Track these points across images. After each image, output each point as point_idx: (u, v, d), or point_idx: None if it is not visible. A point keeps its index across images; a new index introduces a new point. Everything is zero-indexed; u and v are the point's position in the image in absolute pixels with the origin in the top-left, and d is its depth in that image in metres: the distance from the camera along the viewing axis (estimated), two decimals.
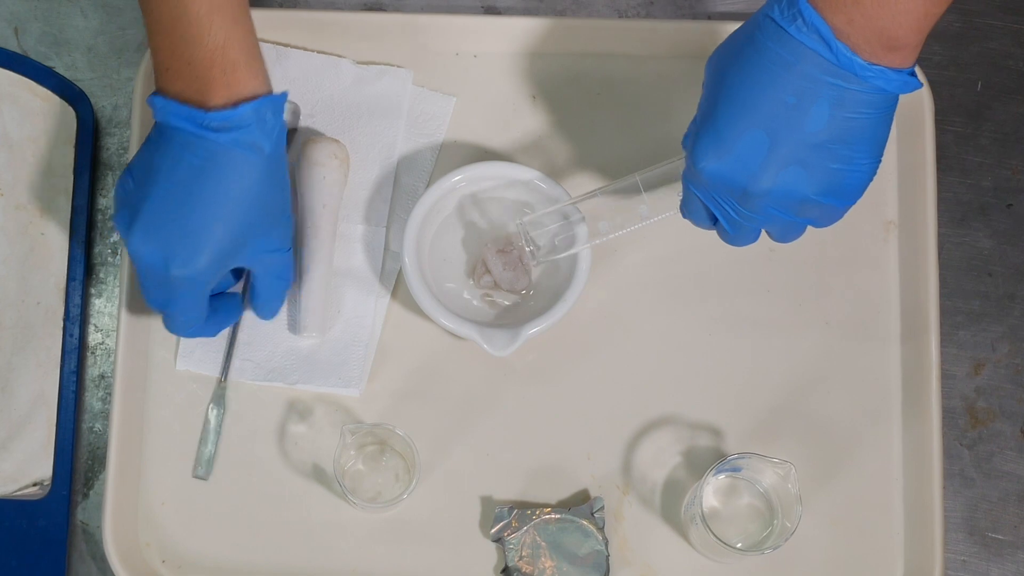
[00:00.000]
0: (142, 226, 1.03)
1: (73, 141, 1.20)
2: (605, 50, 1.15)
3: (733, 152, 0.97)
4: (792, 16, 0.94)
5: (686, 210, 1.04)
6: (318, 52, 1.21)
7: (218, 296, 1.12)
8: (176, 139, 1.02)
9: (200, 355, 1.16)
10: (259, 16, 1.19)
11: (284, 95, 1.03)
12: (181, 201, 1.02)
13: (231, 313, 1.13)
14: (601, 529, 1.12)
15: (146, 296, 1.06)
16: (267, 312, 1.13)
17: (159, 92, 1.03)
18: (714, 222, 1.03)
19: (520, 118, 1.19)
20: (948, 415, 1.17)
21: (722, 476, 1.13)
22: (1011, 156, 1.22)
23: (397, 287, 1.18)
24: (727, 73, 0.97)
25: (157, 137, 1.04)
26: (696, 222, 1.04)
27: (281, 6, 1.21)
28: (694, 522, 1.09)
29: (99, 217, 1.20)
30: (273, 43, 1.21)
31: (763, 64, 0.95)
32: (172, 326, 1.09)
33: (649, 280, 1.15)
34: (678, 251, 1.18)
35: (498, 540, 1.13)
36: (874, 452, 1.15)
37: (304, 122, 1.20)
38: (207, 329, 1.11)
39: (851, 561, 1.14)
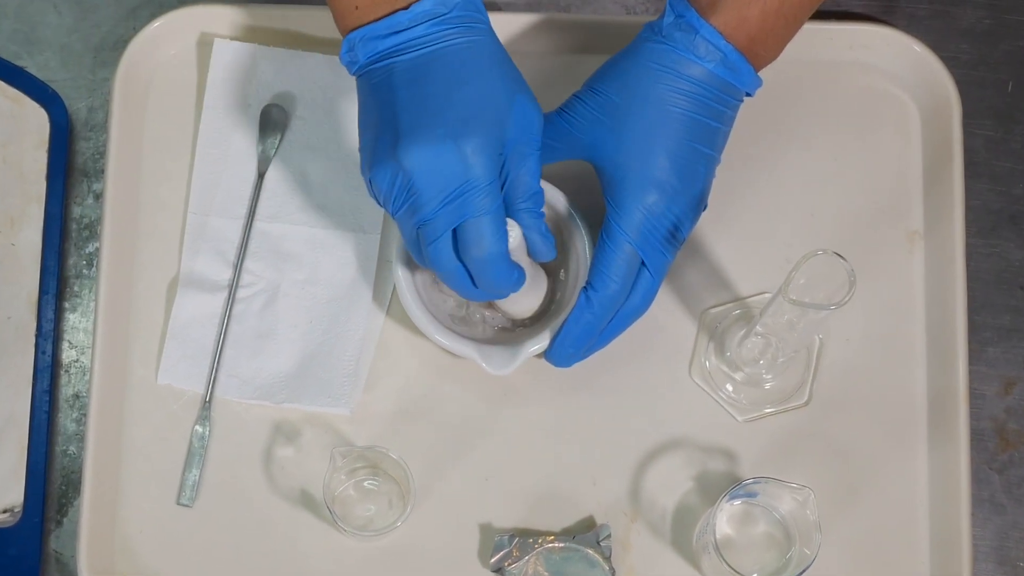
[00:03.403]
0: (409, 135, 1.00)
1: (46, 145, 1.20)
2: (612, 48, 1.15)
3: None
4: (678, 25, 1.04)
5: (602, 286, 1.07)
6: (311, 51, 1.21)
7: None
8: (391, 58, 1.02)
9: (183, 369, 1.17)
10: (255, 14, 1.20)
11: None
12: (435, 93, 1.01)
13: (522, 275, 1.06)
14: (608, 559, 1.12)
15: (435, 232, 1.01)
16: (534, 205, 1.06)
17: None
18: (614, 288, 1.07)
19: None
20: (977, 437, 1.17)
21: (737, 502, 1.13)
22: None
23: (392, 300, 1.18)
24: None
25: (370, 79, 1.04)
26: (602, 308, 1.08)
27: (276, 2, 1.21)
28: (707, 551, 1.09)
29: (73, 226, 1.21)
30: (265, 44, 1.21)
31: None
32: (487, 237, 1.01)
33: (659, 295, 1.15)
34: (686, 265, 1.18)
35: (498, 570, 1.13)
36: (898, 477, 1.15)
37: (296, 122, 1.21)
38: (511, 263, 1.04)
39: None
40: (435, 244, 1.02)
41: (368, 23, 1.03)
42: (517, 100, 1.03)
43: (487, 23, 1.04)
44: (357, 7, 1.03)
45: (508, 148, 1.02)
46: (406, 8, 1.02)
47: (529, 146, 1.04)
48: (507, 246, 1.03)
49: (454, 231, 1.02)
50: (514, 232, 1.04)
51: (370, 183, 1.03)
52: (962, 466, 1.13)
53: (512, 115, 1.02)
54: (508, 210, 1.04)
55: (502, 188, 1.03)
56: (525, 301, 1.12)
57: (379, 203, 1.04)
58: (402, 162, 1.00)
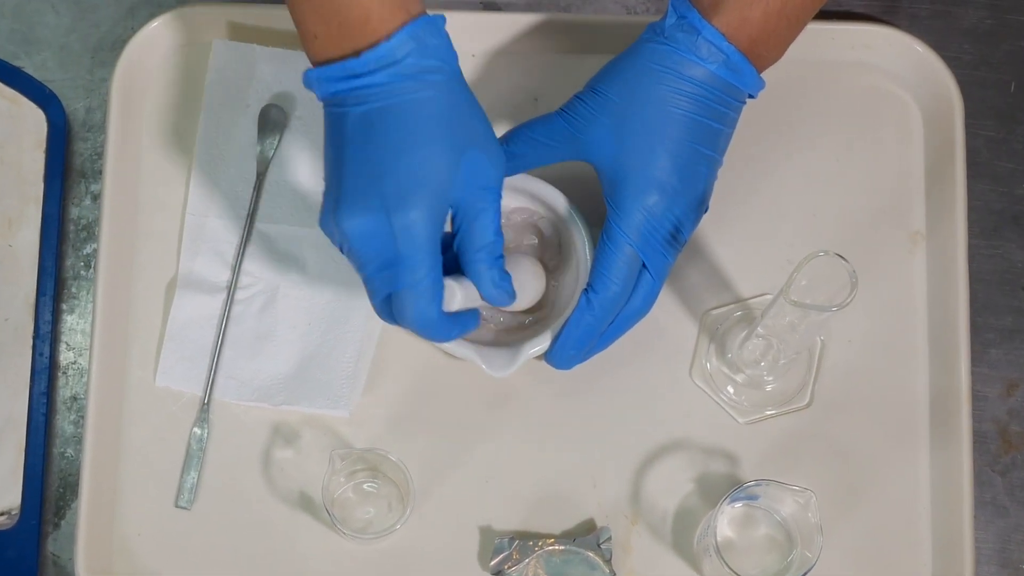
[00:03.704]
0: (348, 200, 1.01)
1: (43, 146, 1.20)
2: (612, 48, 1.16)
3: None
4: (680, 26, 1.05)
5: (603, 288, 1.07)
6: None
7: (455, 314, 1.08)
8: (345, 105, 1.02)
9: (181, 371, 1.17)
10: (254, 14, 1.20)
11: (441, 16, 1.03)
12: (377, 158, 1.01)
13: (470, 321, 1.07)
14: (608, 561, 1.12)
15: (374, 293, 1.03)
16: (486, 261, 1.06)
17: (312, 67, 1.03)
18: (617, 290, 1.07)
19: (521, 121, 1.19)
20: (979, 439, 1.17)
21: (738, 504, 1.13)
22: None
23: None
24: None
25: (328, 120, 1.04)
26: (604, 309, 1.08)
27: (275, 2, 1.21)
28: (708, 554, 1.09)
29: (71, 227, 1.21)
30: (263, 44, 1.21)
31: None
32: (410, 309, 1.02)
33: (660, 297, 1.15)
34: (687, 266, 1.18)
35: (498, 573, 1.13)
36: (900, 479, 1.16)
37: (295, 123, 1.21)
38: (446, 324, 1.04)
39: None
40: (373, 302, 1.04)
41: (326, 61, 1.02)
42: (467, 158, 1.02)
43: (447, 70, 1.02)
44: (316, 36, 1.02)
45: (459, 205, 1.03)
46: (357, 56, 1.00)
47: (483, 201, 1.03)
48: (439, 310, 1.02)
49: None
50: (455, 295, 1.03)
51: (321, 228, 1.05)
52: (964, 468, 1.13)
53: (460, 176, 1.02)
54: (462, 260, 1.04)
55: (454, 241, 1.04)
56: (519, 298, 1.12)
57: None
58: (340, 226, 1.01)
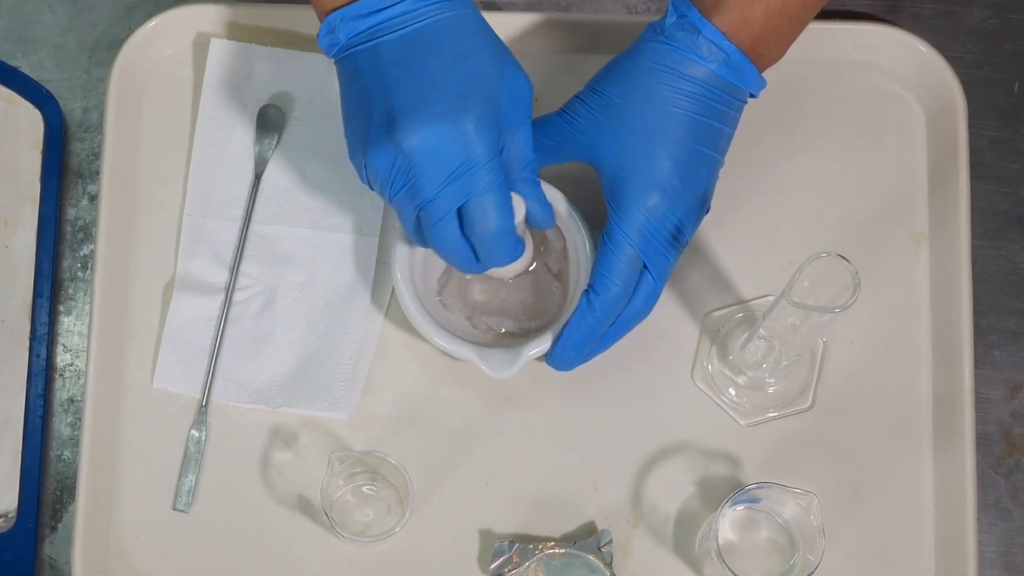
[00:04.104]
0: (406, 116, 1.00)
1: (40, 146, 1.20)
2: (613, 48, 1.16)
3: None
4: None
5: (604, 290, 1.07)
6: (309, 51, 1.21)
7: None
8: (375, 39, 1.02)
9: (179, 373, 1.17)
10: (252, 13, 1.20)
11: None
12: (427, 73, 1.01)
13: (523, 245, 1.07)
14: (609, 564, 1.13)
15: (439, 212, 1.01)
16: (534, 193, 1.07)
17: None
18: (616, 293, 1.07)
19: None
20: (982, 441, 1.17)
21: (739, 507, 1.13)
22: None
23: (390, 302, 1.18)
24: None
25: (353, 59, 1.03)
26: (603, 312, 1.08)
27: (274, 1, 1.22)
28: (709, 557, 1.09)
29: (68, 228, 1.21)
30: (261, 44, 1.21)
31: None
32: (492, 214, 1.02)
33: (661, 298, 1.15)
34: (688, 267, 1.19)
35: None
36: (903, 481, 1.16)
37: (293, 123, 1.21)
38: (515, 235, 1.04)
39: None
40: (439, 224, 1.02)
41: (348, 3, 1.02)
42: (506, 71, 1.03)
43: None
44: None
45: (503, 119, 1.03)
46: None
47: (521, 115, 1.04)
48: (513, 220, 1.03)
49: (459, 210, 1.02)
50: (520, 206, 1.04)
51: (364, 168, 1.03)
52: (967, 471, 1.13)
53: (503, 86, 1.02)
54: (507, 181, 1.05)
55: (501, 159, 1.04)
56: (517, 264, 1.12)
57: (372, 188, 1.04)
58: (401, 144, 1.00)
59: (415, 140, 1.00)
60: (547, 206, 1.07)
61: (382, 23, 1.02)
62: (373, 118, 1.02)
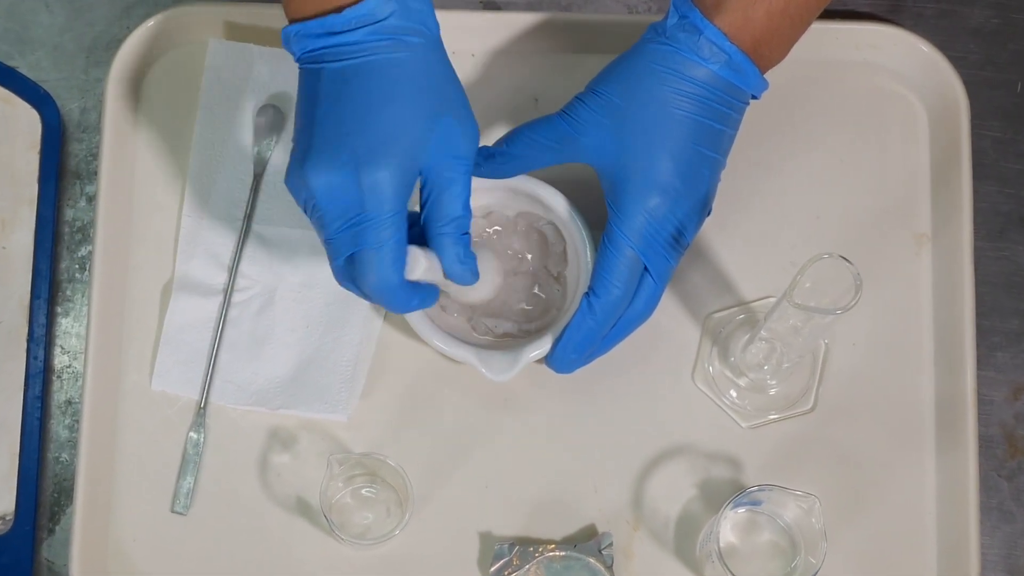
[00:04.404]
0: (316, 155, 1.00)
1: (38, 147, 1.20)
2: (614, 48, 1.16)
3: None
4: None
5: (604, 292, 1.07)
6: None
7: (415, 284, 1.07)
8: (322, 62, 1.02)
9: (177, 375, 1.17)
10: (251, 13, 1.20)
11: None
12: (349, 114, 1.01)
13: (430, 296, 1.07)
14: (609, 567, 1.13)
15: (335, 253, 1.02)
16: (453, 231, 1.05)
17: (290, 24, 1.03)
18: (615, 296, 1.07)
19: (521, 122, 1.19)
20: (985, 444, 1.17)
21: (741, 510, 1.13)
22: None
23: None
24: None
25: (302, 77, 1.03)
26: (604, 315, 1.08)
27: (272, 1, 1.22)
28: (710, 560, 1.09)
29: (66, 229, 1.21)
30: (260, 44, 1.21)
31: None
32: (372, 271, 1.01)
33: (662, 299, 1.15)
34: (689, 268, 1.19)
35: None
36: (905, 484, 1.16)
37: (292, 123, 1.21)
38: (406, 292, 1.03)
39: None
40: (333, 263, 1.03)
41: (306, 17, 1.02)
42: (442, 124, 1.02)
43: (429, 33, 1.03)
44: None
45: (429, 173, 1.02)
46: (338, 11, 1.01)
47: (454, 171, 1.03)
48: (400, 276, 1.02)
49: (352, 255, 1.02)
50: (419, 262, 1.03)
51: (287, 187, 1.04)
52: (970, 473, 1.13)
53: (433, 140, 1.01)
54: (428, 234, 1.04)
55: (422, 210, 1.04)
56: (477, 290, 1.11)
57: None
58: (307, 181, 1.01)
59: (317, 182, 1.00)
60: (466, 263, 1.05)
61: (330, 47, 1.02)
62: (297, 144, 1.02)
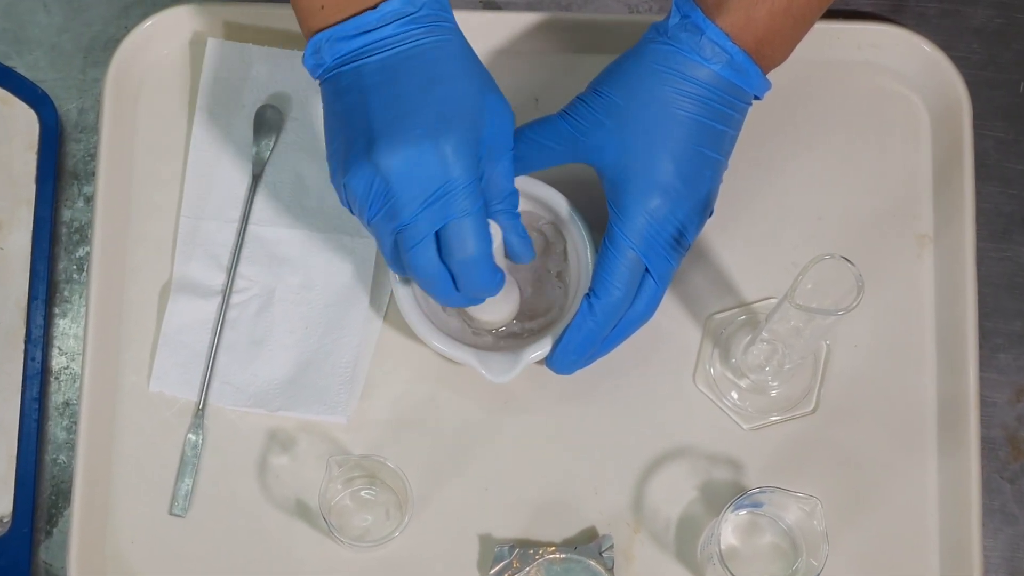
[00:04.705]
0: (385, 137, 1.00)
1: (35, 147, 1.20)
2: (615, 48, 1.16)
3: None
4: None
5: (605, 293, 1.07)
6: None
7: None
8: (359, 60, 1.02)
9: (175, 376, 1.17)
10: (249, 12, 1.20)
11: None
12: (409, 94, 1.01)
13: (502, 275, 1.06)
14: (610, 570, 1.13)
15: (416, 235, 1.01)
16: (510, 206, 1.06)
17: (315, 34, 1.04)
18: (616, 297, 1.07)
19: (521, 122, 1.19)
20: (988, 446, 1.17)
21: (742, 512, 1.13)
22: None
23: (389, 305, 1.18)
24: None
25: (337, 80, 1.03)
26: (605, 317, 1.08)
27: (271, 0, 1.22)
28: (711, 562, 1.09)
29: (64, 230, 1.21)
30: (258, 44, 1.21)
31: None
32: (470, 239, 1.01)
33: (663, 300, 1.16)
34: (691, 269, 1.19)
35: None
36: (907, 486, 1.16)
37: (291, 124, 1.21)
38: (492, 262, 1.03)
39: None
40: (416, 248, 1.02)
41: (334, 23, 1.02)
42: (488, 99, 1.03)
43: (454, 22, 1.04)
44: (323, 7, 1.03)
45: (483, 147, 1.02)
46: (373, 8, 1.02)
47: (502, 146, 1.04)
48: (491, 247, 1.03)
49: (436, 234, 1.02)
50: (496, 233, 1.04)
51: (344, 189, 1.03)
52: (972, 475, 1.13)
53: (484, 115, 1.02)
54: (485, 208, 1.04)
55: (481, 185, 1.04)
56: (501, 309, 1.12)
57: (352, 211, 1.04)
58: (379, 165, 1.00)
59: (393, 161, 1.00)
60: (526, 239, 1.07)
61: (366, 45, 1.02)
62: (353, 139, 1.02)
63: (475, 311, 1.12)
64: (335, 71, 1.03)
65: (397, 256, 1.04)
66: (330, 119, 1.04)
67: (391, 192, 1.00)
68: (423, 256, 1.02)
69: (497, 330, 1.15)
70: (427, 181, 1.00)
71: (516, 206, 1.06)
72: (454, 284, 1.04)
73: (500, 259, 1.07)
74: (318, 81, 1.05)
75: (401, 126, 1.00)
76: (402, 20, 1.02)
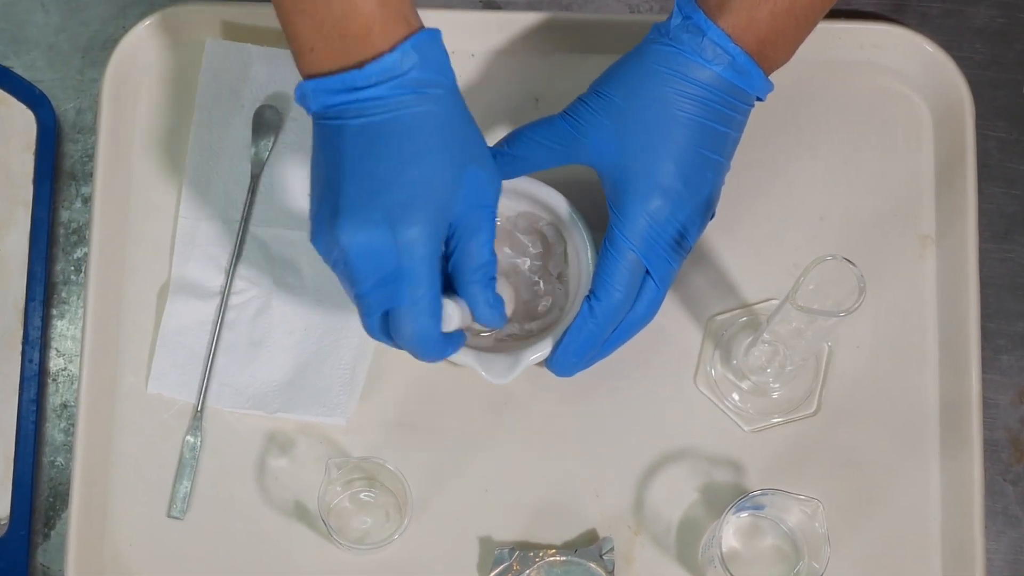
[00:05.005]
0: (348, 214, 1.00)
1: (33, 148, 1.20)
2: (615, 48, 1.16)
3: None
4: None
5: (605, 295, 1.07)
6: None
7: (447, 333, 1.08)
8: (343, 118, 1.01)
9: (174, 378, 1.17)
10: (248, 12, 1.20)
11: (438, 30, 1.03)
12: (379, 171, 1.00)
13: (460, 340, 1.07)
14: (611, 572, 1.13)
15: (369, 310, 1.02)
16: (480, 267, 1.05)
17: (306, 79, 1.03)
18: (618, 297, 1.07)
19: (521, 122, 1.19)
20: (990, 448, 1.17)
21: (743, 514, 1.13)
22: None
23: None
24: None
25: (321, 133, 1.03)
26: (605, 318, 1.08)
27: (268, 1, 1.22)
28: (712, 565, 1.09)
29: (61, 231, 1.21)
30: (257, 44, 1.21)
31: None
32: (410, 326, 1.02)
33: (664, 302, 1.16)
34: (692, 271, 1.19)
35: None
36: (909, 488, 1.16)
37: (290, 124, 1.21)
38: (442, 343, 1.04)
39: None
40: (367, 320, 1.03)
41: (322, 73, 1.02)
42: (467, 174, 1.02)
43: (448, 84, 1.03)
44: (312, 49, 1.02)
45: (457, 224, 1.03)
46: (359, 66, 1.00)
47: (480, 218, 1.04)
48: (437, 329, 1.03)
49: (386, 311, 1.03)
50: (454, 316, 1.04)
51: (312, 244, 1.04)
52: (975, 477, 1.13)
53: (461, 191, 1.02)
54: (457, 282, 1.05)
55: (449, 261, 1.04)
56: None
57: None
58: (338, 239, 1.00)
59: (350, 240, 1.00)
60: (496, 308, 1.06)
61: (351, 103, 1.01)
62: (324, 203, 1.02)
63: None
64: (321, 120, 1.03)
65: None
66: (313, 163, 1.05)
67: (348, 264, 1.01)
68: (372, 329, 1.04)
69: (495, 332, 1.15)
70: (380, 265, 1.01)
71: (491, 274, 1.05)
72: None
73: (466, 323, 1.06)
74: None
75: (365, 205, 1.00)
76: (389, 83, 1.00)
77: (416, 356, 1.04)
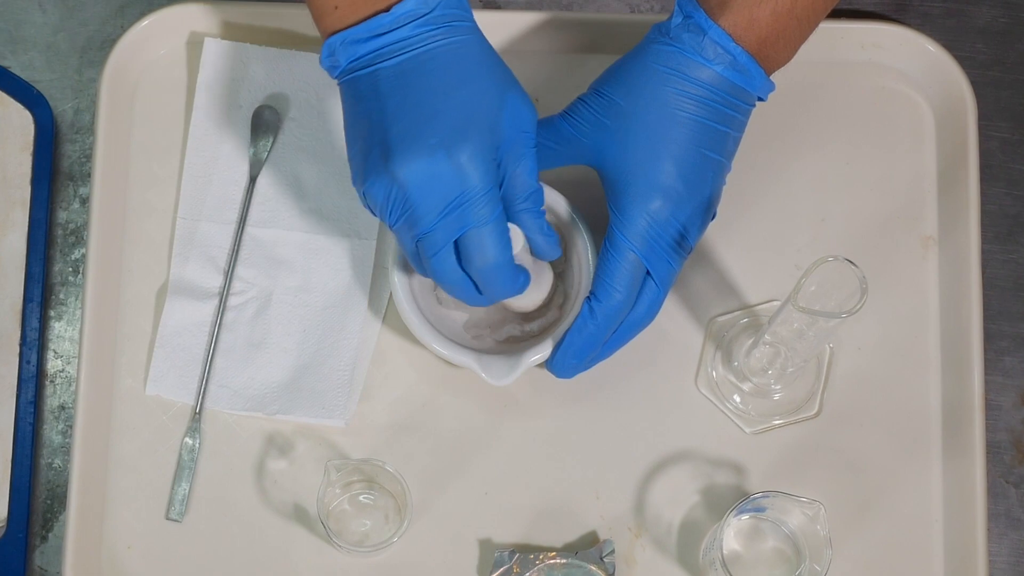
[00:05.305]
0: (401, 146, 1.00)
1: (30, 148, 1.20)
2: (616, 48, 1.16)
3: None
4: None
5: (605, 296, 1.07)
6: (304, 51, 1.21)
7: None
8: (375, 64, 1.02)
9: (172, 379, 1.17)
10: (247, 12, 1.20)
11: None
12: (425, 102, 1.01)
13: (526, 276, 1.06)
14: (611, 575, 1.13)
15: (435, 245, 1.01)
16: (534, 206, 1.06)
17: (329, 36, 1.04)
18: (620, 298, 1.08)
19: None
20: (993, 449, 1.17)
21: (744, 517, 1.13)
22: None
23: (388, 307, 1.18)
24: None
25: (354, 84, 1.03)
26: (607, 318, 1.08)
27: (268, 0, 1.22)
28: (713, 567, 1.09)
29: (59, 232, 1.21)
30: (256, 44, 1.21)
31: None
32: (489, 247, 1.01)
33: (665, 303, 1.16)
34: (692, 272, 1.19)
35: None
36: (911, 490, 1.16)
37: (289, 124, 1.21)
38: (515, 269, 1.04)
39: None
40: (436, 256, 1.02)
41: (348, 26, 1.03)
42: (508, 99, 1.03)
43: (471, 20, 1.04)
44: (336, 7, 1.03)
45: (503, 149, 1.03)
46: (387, 10, 1.02)
47: (524, 145, 1.04)
48: (511, 253, 1.03)
49: (455, 242, 1.02)
50: (517, 237, 1.04)
51: (364, 196, 1.03)
52: (978, 479, 1.13)
53: (504, 115, 1.02)
54: (508, 212, 1.04)
55: (500, 190, 1.03)
56: (530, 296, 1.12)
57: (374, 215, 1.04)
58: (396, 175, 1.00)
59: (410, 172, 1.00)
60: (551, 236, 1.07)
61: (382, 48, 1.02)
62: (371, 146, 1.02)
63: (506, 300, 1.12)
64: (352, 74, 1.03)
65: (419, 261, 1.05)
66: (349, 122, 1.05)
67: (409, 202, 1.01)
68: (444, 264, 1.03)
69: (495, 334, 1.15)
70: (444, 191, 1.00)
71: (540, 203, 1.06)
72: (476, 288, 1.04)
73: (525, 258, 1.07)
74: (337, 82, 1.05)
75: (417, 136, 1.00)
76: (417, 22, 1.02)
77: (489, 286, 1.03)
